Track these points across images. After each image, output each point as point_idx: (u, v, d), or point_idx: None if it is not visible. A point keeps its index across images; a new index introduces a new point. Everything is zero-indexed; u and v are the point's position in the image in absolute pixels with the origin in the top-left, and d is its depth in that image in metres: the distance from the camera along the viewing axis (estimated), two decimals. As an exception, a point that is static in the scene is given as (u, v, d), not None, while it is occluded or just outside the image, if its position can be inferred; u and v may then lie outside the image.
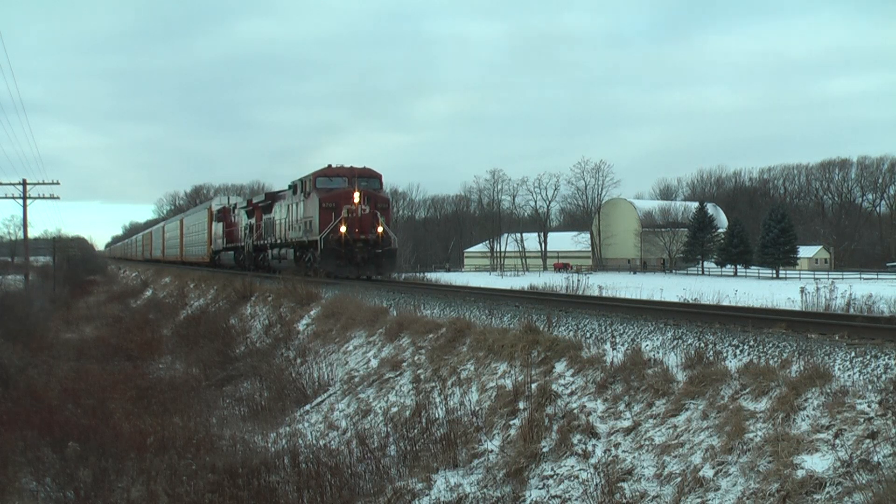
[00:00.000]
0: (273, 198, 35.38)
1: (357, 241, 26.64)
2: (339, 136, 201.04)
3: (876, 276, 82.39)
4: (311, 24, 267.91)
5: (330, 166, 28.40)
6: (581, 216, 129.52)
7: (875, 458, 6.16)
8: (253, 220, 39.02)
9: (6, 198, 48.18)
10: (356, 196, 26.72)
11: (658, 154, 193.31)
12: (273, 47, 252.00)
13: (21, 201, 47.38)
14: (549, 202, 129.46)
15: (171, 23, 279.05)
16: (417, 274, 59.64)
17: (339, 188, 27.35)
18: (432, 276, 54.87)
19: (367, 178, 27.99)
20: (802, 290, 18.35)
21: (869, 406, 6.82)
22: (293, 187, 30.83)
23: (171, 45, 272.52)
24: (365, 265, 26.82)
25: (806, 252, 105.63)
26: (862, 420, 6.66)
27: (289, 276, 26.34)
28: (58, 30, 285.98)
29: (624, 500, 7.47)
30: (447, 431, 10.38)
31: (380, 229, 26.88)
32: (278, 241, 33.18)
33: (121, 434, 13.38)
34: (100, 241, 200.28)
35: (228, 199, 51.41)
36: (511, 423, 9.92)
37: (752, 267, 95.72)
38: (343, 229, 26.43)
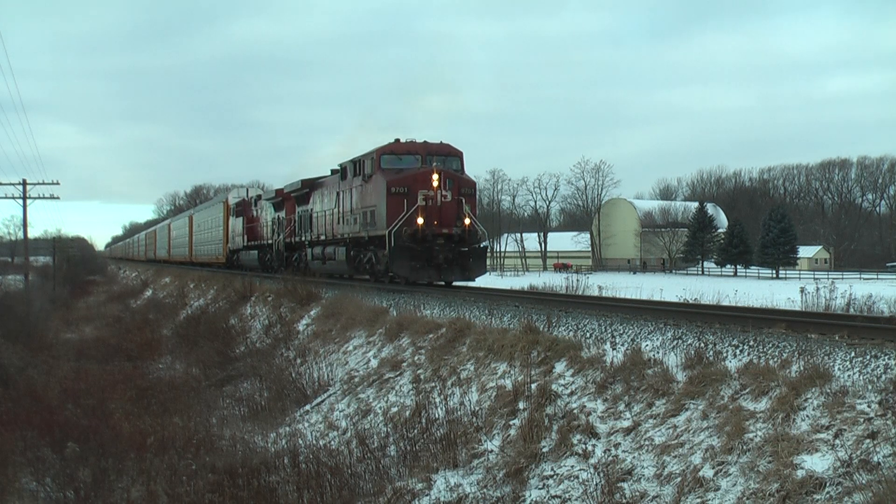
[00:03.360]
0: (311, 186, 29.51)
1: (438, 236, 20.95)
2: (337, 136, 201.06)
3: (876, 277, 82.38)
4: (310, 23, 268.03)
5: (398, 141, 22.58)
6: (581, 216, 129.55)
7: (875, 458, 6.16)
8: (282, 214, 33.58)
9: (6, 198, 48.15)
10: (435, 178, 21.02)
11: (658, 154, 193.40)
12: (271, 47, 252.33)
13: (21, 201, 47.35)
14: (549, 202, 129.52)
15: (170, 22, 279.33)
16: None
17: (412, 168, 21.70)
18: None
19: (446, 156, 22.29)
20: (802, 290, 18.32)
21: (869, 406, 6.82)
22: (343, 170, 25.28)
23: (169, 44, 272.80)
24: (449, 267, 21.25)
25: (806, 252, 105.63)
26: (862, 420, 6.66)
27: (289, 276, 25.93)
28: (57, 29, 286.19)
29: (624, 500, 7.47)
30: (447, 431, 10.38)
31: (466, 221, 21.29)
32: (321, 237, 27.70)
33: (121, 434, 13.40)
34: (100, 241, 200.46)
35: (247, 191, 46.25)
36: (511, 423, 9.92)
37: (752, 267, 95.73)
38: (420, 221, 20.75)
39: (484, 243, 22.30)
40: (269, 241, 35.73)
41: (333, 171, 27.25)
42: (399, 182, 21.30)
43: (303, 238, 30.07)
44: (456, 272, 21.51)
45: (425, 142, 22.47)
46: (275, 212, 34.93)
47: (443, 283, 21.89)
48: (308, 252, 29.31)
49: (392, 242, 20.81)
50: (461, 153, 22.77)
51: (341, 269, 25.81)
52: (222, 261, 46.64)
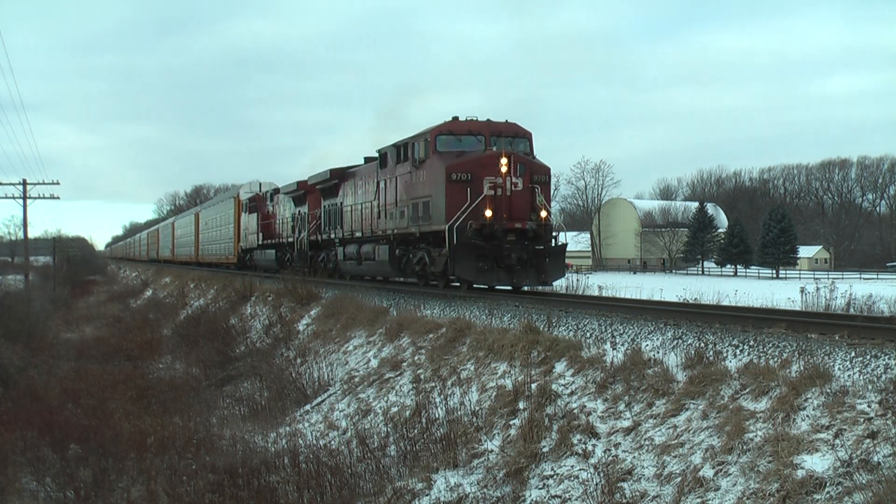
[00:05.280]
0: (341, 176, 26.42)
1: (509, 231, 17.70)
2: (336, 136, 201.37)
3: (876, 276, 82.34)
4: (308, 23, 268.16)
5: (456, 119, 19.19)
6: (581, 216, 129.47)
7: (875, 458, 6.16)
8: (304, 209, 30.56)
9: (6, 198, 48.09)
10: (503, 162, 17.71)
11: (658, 154, 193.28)
12: (271, 47, 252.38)
13: (21, 201, 47.34)
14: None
15: (169, 22, 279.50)
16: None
17: (475, 151, 18.47)
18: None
19: (513, 137, 19.01)
20: (802, 290, 18.28)
21: (869, 406, 6.82)
22: (382, 157, 21.92)
23: (169, 44, 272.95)
24: (522, 269, 17.76)
25: (806, 252, 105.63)
26: (862, 420, 6.66)
27: (289, 276, 25.76)
28: (55, 29, 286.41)
29: (624, 500, 7.47)
30: (447, 431, 10.39)
31: (543, 213, 18.15)
32: (355, 234, 24.44)
33: (121, 434, 13.40)
34: (100, 241, 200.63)
35: (260, 185, 43.13)
36: (511, 423, 9.93)
37: (752, 267, 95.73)
38: (488, 213, 17.57)
39: (564, 241, 19.15)
40: (289, 240, 32.73)
41: (368, 159, 24.61)
42: (461, 167, 17.96)
43: (332, 235, 27.06)
44: (531, 275, 17.97)
45: (489, 120, 19.19)
46: (295, 207, 31.99)
47: (509, 287, 18.70)
48: (339, 251, 26.17)
49: (454, 239, 17.41)
50: (530, 134, 19.42)
51: (383, 270, 22.85)
52: (233, 261, 43.95)
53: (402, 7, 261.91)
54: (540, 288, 19.35)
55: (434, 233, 18.62)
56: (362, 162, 25.63)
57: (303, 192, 30.51)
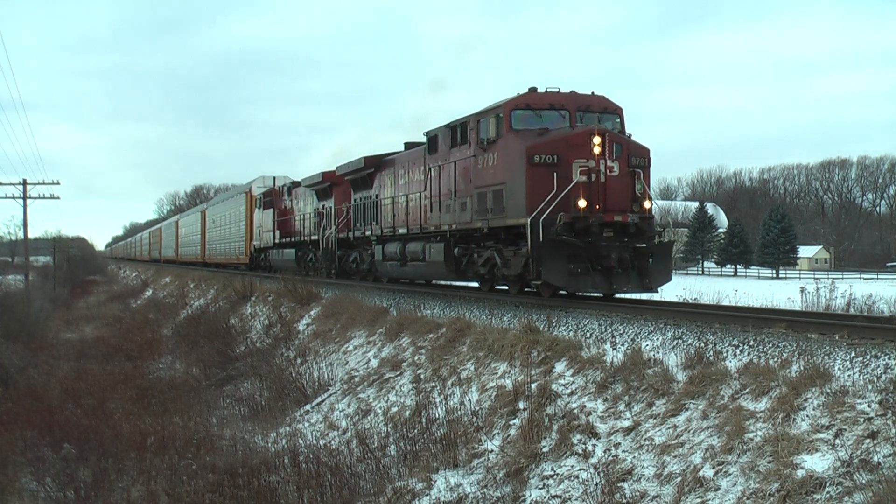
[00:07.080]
0: (377, 165, 23.33)
1: (606, 225, 14.67)
2: (335, 136, 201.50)
3: (876, 276, 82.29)
4: (307, 23, 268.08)
5: (534, 91, 15.93)
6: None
7: (875, 458, 6.16)
8: (329, 203, 27.45)
9: (6, 198, 48.11)
10: (596, 142, 14.67)
11: (658, 154, 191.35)
12: (270, 46, 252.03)
13: (21, 201, 47.33)
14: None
15: (168, 22, 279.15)
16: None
17: (560, 129, 15.46)
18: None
19: (601, 113, 16.03)
20: (802, 290, 18.32)
21: (869, 406, 6.82)
22: (431, 140, 18.93)
23: (167, 43, 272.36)
24: (623, 271, 14.75)
25: (806, 252, 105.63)
26: (862, 420, 6.66)
27: (289, 276, 25.73)
28: (54, 28, 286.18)
29: (624, 500, 7.48)
30: (447, 431, 10.40)
31: (646, 204, 15.36)
32: (398, 230, 21.14)
33: (121, 434, 13.42)
34: (100, 242, 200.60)
35: (275, 179, 40.07)
36: (511, 423, 9.93)
37: (752, 267, 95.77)
38: (581, 204, 14.52)
39: (672, 239, 15.81)
40: (312, 237, 29.45)
41: (409, 145, 22.10)
42: (545, 147, 14.87)
43: (367, 232, 23.83)
44: (632, 279, 14.93)
45: (573, 92, 16.06)
46: (318, 201, 28.83)
47: (599, 294, 15.41)
48: (376, 251, 23.06)
49: (540, 235, 14.28)
50: (621, 109, 16.48)
51: (435, 272, 19.74)
52: (244, 261, 41.39)
53: (403, 7, 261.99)
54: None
55: (507, 228, 15.71)
56: (402, 148, 22.97)
57: (328, 184, 27.26)
